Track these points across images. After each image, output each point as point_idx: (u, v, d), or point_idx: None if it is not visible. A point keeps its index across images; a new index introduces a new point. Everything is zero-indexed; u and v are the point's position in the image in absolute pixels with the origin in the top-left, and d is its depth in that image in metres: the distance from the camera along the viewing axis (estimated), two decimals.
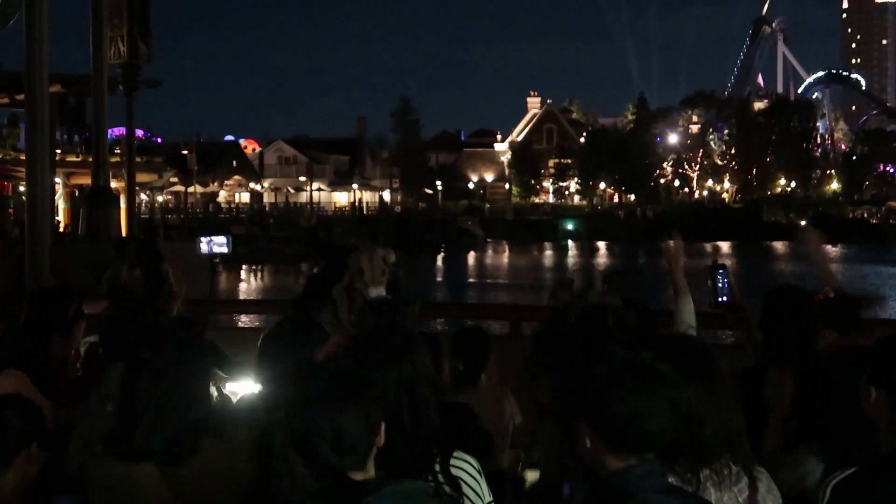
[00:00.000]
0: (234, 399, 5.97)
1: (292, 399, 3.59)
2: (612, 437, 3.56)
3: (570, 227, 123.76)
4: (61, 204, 32.71)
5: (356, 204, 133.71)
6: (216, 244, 8.11)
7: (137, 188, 30.70)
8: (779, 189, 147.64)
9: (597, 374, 3.62)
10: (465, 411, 5.59)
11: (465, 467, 4.28)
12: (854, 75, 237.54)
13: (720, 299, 6.77)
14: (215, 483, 4.28)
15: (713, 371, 4.19)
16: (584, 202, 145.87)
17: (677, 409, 3.57)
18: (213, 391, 4.85)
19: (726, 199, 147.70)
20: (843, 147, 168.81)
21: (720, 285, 6.81)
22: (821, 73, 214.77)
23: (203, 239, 8.09)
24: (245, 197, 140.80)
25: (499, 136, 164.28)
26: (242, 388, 6.30)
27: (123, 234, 23.14)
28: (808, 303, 6.22)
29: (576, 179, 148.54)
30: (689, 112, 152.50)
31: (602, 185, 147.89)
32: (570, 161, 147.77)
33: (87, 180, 25.04)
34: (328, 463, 3.50)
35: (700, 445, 4.01)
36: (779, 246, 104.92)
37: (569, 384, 3.82)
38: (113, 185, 26.89)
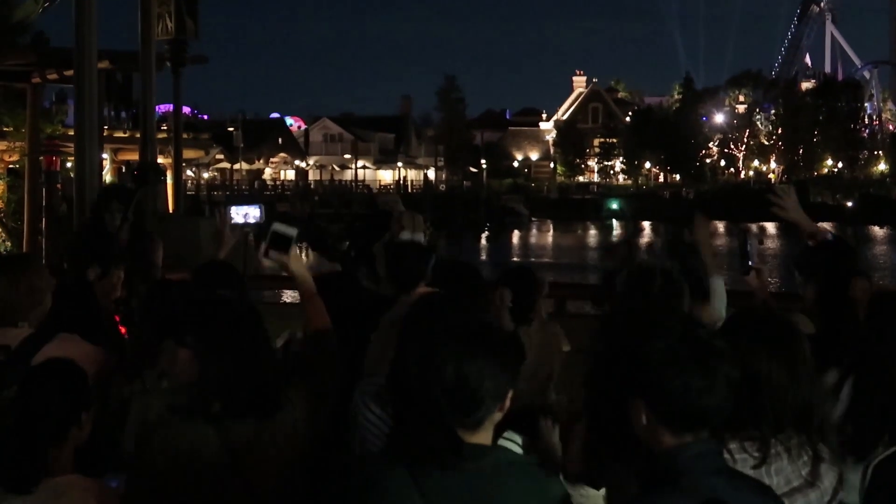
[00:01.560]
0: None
1: (446, 342, 3.68)
2: (668, 414, 3.56)
3: (614, 206, 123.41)
4: (109, 179, 32.89)
5: (401, 182, 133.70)
6: (249, 214, 8.09)
7: (184, 164, 30.82)
8: (825, 170, 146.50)
9: (654, 349, 3.63)
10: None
11: (513, 447, 4.29)
12: None
13: (749, 264, 6.89)
14: (277, 446, 4.35)
15: (794, 345, 4.19)
16: (630, 181, 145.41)
17: (733, 386, 3.56)
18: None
19: (772, 180, 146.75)
20: (891, 128, 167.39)
21: (749, 250, 6.92)
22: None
23: (234, 208, 8.06)
24: (290, 174, 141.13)
25: (544, 115, 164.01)
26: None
27: (170, 209, 23.29)
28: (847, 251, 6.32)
29: (621, 159, 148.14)
30: (736, 92, 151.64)
31: (647, 165, 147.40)
32: (615, 140, 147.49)
33: (134, 156, 25.20)
34: (449, 415, 3.58)
35: (774, 417, 4.04)
36: (825, 226, 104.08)
37: (626, 359, 3.83)
38: (160, 161, 27.07)
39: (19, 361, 5.49)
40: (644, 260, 5.76)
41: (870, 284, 5.92)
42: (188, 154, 37.23)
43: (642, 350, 3.66)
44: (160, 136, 27.79)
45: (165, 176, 22.05)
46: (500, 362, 3.64)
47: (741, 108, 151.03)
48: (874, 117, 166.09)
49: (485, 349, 3.63)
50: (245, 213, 8.06)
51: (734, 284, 7.87)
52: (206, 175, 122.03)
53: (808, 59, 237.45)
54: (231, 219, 7.98)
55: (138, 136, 21.17)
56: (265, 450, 4.39)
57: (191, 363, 4.45)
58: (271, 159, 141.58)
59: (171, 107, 26.40)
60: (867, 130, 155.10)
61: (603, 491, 4.81)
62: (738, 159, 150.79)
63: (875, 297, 5.36)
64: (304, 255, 5.70)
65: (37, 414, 4.54)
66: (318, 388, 4.67)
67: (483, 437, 3.65)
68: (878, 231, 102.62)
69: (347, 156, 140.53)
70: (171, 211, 23.14)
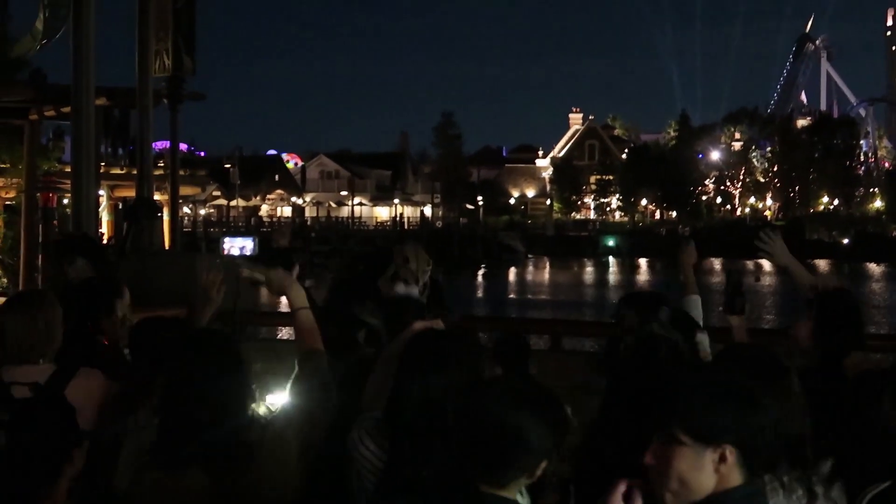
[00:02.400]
0: (274, 410, 5.99)
1: (495, 393, 3.63)
2: (756, 452, 3.47)
3: (610, 243, 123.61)
4: (105, 216, 32.91)
5: (397, 219, 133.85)
6: (241, 246, 8.12)
7: (181, 201, 30.83)
8: (821, 207, 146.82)
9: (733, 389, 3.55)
10: None
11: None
12: None
13: (734, 305, 6.90)
14: (265, 492, 4.30)
15: (784, 379, 4.19)
16: (626, 218, 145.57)
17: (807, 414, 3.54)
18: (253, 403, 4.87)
19: (768, 217, 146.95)
20: (886, 165, 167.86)
21: (736, 292, 6.96)
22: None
23: (228, 240, 8.07)
24: (287, 211, 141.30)
25: (540, 152, 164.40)
26: (281, 399, 6.33)
27: (167, 246, 23.28)
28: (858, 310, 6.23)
29: (617, 196, 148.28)
30: (732, 129, 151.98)
31: (644, 202, 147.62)
32: (611, 177, 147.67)
33: (130, 193, 25.19)
34: (474, 467, 3.54)
35: (770, 452, 3.99)
36: (821, 264, 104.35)
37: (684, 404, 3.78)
38: (157, 197, 27.08)
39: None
40: (648, 329, 5.72)
41: (864, 356, 5.90)
42: (185, 191, 37.23)
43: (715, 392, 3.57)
44: (157, 172, 27.81)
45: (161, 212, 22.03)
46: (543, 427, 3.56)
47: (737, 146, 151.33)
48: (870, 154, 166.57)
49: (532, 409, 3.57)
50: (239, 246, 8.08)
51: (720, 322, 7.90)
52: (202, 212, 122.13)
53: (803, 97, 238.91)
54: (225, 250, 8.01)
55: (135, 172, 21.16)
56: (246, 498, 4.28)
57: None
58: (268, 196, 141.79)
59: (168, 143, 26.44)
60: (863, 168, 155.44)
61: None
62: (735, 196, 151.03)
63: (864, 375, 5.31)
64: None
65: (27, 451, 4.54)
66: (309, 418, 4.65)
67: (504, 493, 3.59)
68: (874, 268, 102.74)
69: (344, 192, 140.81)
70: (167, 247, 23.12)
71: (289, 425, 4.54)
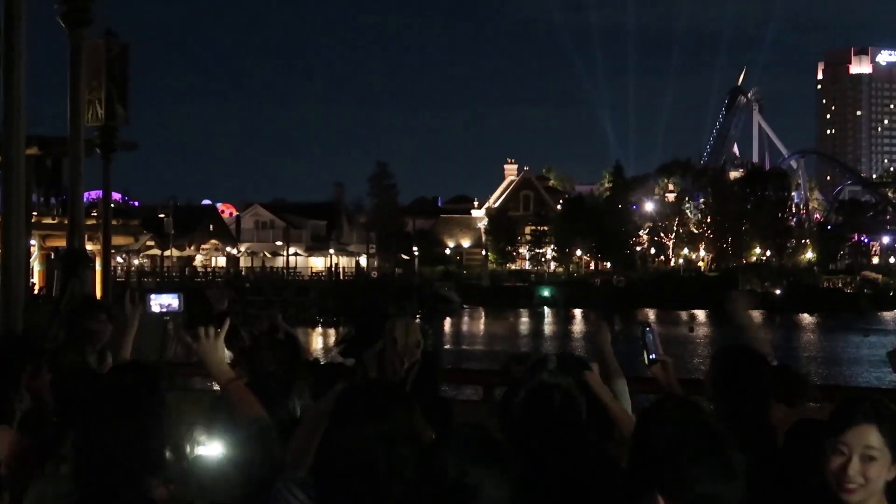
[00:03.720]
0: (207, 460, 5.93)
1: (453, 448, 3.65)
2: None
3: (546, 293, 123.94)
4: (36, 266, 32.67)
5: (332, 269, 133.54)
6: (167, 303, 8.03)
7: (114, 251, 30.67)
8: (754, 258, 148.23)
9: (666, 441, 3.63)
10: None
11: None
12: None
13: (651, 357, 6.83)
14: None
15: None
16: (561, 269, 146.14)
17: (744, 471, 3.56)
18: (176, 450, 4.80)
19: (702, 267, 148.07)
20: (817, 216, 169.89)
21: (650, 343, 6.88)
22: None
23: (152, 297, 8.00)
24: (221, 261, 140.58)
25: (476, 203, 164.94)
26: (214, 449, 6.27)
27: (98, 297, 23.08)
28: (763, 368, 6.20)
29: (552, 246, 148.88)
30: (665, 180, 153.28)
31: (578, 252, 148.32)
32: (546, 228, 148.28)
33: (62, 242, 25.06)
34: None
35: None
36: (754, 314, 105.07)
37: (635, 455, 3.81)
38: (89, 247, 26.88)
39: None
40: (542, 378, 5.72)
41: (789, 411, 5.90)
42: (118, 240, 37.00)
43: (651, 443, 3.64)
44: (90, 222, 27.61)
45: (94, 263, 21.90)
46: (500, 477, 3.59)
47: (671, 197, 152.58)
48: (801, 206, 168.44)
49: (489, 461, 3.60)
50: (164, 303, 8.00)
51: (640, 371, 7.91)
52: (136, 262, 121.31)
53: (735, 149, 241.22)
54: (150, 308, 7.91)
55: (67, 222, 21.02)
56: None
57: None
58: (202, 246, 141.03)
59: (101, 193, 26.30)
60: (794, 219, 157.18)
61: None
62: (668, 247, 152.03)
63: (796, 426, 5.33)
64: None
65: None
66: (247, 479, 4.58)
67: None
68: (806, 319, 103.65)
69: (279, 242, 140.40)
70: (98, 298, 22.98)
71: (219, 480, 4.48)
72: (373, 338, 8.29)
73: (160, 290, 8.68)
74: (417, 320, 8.51)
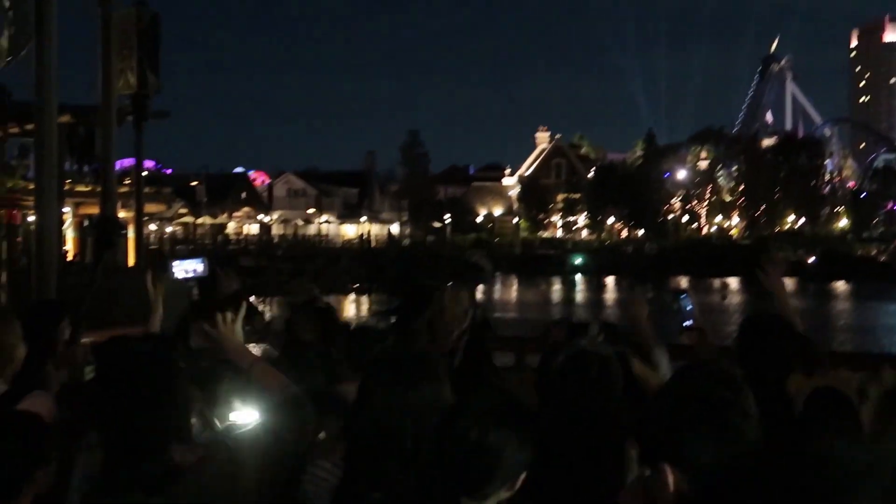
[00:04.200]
0: (236, 427, 5.92)
1: (472, 410, 3.68)
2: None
3: (578, 261, 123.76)
4: (70, 233, 32.83)
5: (364, 237, 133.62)
6: (191, 268, 8.03)
7: (146, 219, 30.77)
8: (787, 226, 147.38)
9: (676, 413, 3.63)
10: None
11: None
12: None
13: (685, 324, 6.78)
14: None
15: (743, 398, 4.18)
16: (593, 237, 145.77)
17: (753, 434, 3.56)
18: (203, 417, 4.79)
19: (734, 236, 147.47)
20: (851, 185, 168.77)
21: (685, 310, 6.84)
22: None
23: (175, 263, 8.00)
24: (254, 228, 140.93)
25: (507, 171, 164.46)
26: (248, 416, 6.26)
27: (130, 264, 23.17)
28: (789, 335, 6.15)
29: (584, 214, 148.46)
30: (698, 148, 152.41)
31: (610, 220, 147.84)
32: (578, 196, 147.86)
33: (95, 210, 25.16)
34: (456, 484, 3.57)
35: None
36: (787, 282, 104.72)
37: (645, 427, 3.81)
38: (122, 215, 26.98)
39: None
40: (582, 345, 5.70)
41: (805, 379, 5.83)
42: (150, 208, 37.15)
43: (660, 414, 3.65)
44: (122, 190, 27.74)
45: (126, 230, 21.97)
46: (520, 441, 3.62)
47: (703, 165, 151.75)
48: (835, 174, 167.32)
49: (511, 424, 3.63)
50: (189, 268, 8.00)
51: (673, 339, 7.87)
52: (169, 229, 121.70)
53: (769, 117, 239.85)
54: (174, 273, 7.91)
55: (100, 190, 21.10)
56: None
57: None
58: (235, 214, 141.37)
59: (134, 160, 26.35)
60: (828, 187, 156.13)
61: None
62: (701, 215, 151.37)
63: (814, 394, 5.26)
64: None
65: None
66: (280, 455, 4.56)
67: None
68: (839, 287, 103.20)
69: (311, 210, 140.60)
70: (130, 265, 23.07)
71: (249, 449, 4.45)
72: (418, 308, 8.30)
73: (185, 257, 8.67)
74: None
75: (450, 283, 8.66)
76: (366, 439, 4.21)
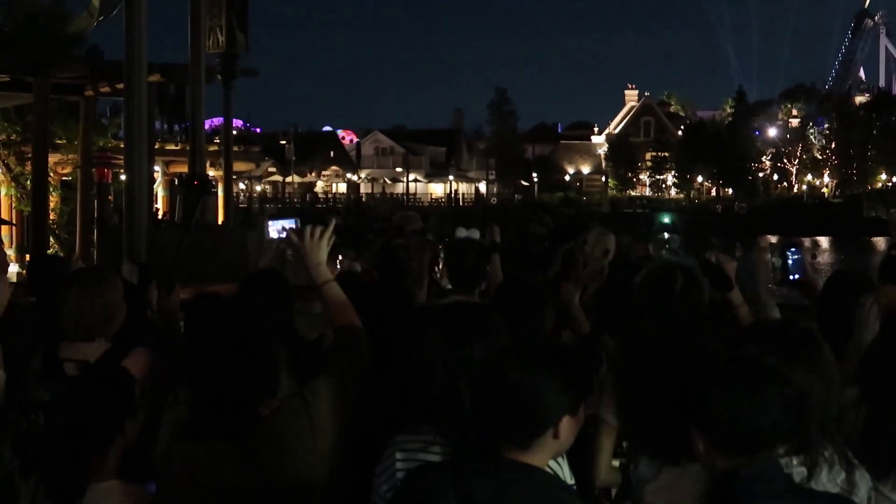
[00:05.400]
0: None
1: (503, 354, 3.66)
2: (721, 439, 3.54)
3: (666, 220, 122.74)
4: (160, 192, 33.15)
5: (452, 195, 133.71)
6: (286, 227, 8.11)
7: (235, 177, 31.00)
8: (879, 184, 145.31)
9: (700, 375, 3.61)
10: None
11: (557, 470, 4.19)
12: None
13: (790, 277, 6.60)
14: (293, 465, 4.26)
15: (821, 356, 4.13)
16: (682, 195, 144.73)
17: (789, 403, 3.50)
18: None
19: (826, 194, 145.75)
20: None
21: (790, 262, 6.65)
22: None
23: (271, 223, 8.10)
24: (342, 187, 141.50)
25: (595, 129, 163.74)
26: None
27: (220, 222, 23.33)
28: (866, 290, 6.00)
29: (673, 173, 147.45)
30: (789, 105, 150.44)
31: (699, 179, 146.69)
32: (667, 154, 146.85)
33: (185, 169, 25.40)
34: (493, 429, 3.56)
35: (819, 428, 3.99)
36: (879, 241, 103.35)
37: (674, 388, 3.79)
38: (211, 173, 27.20)
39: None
40: (664, 258, 5.66)
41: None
42: (239, 167, 37.41)
43: (689, 377, 3.63)
44: (212, 148, 27.94)
45: (216, 189, 22.16)
46: (552, 385, 3.53)
47: (794, 122, 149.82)
48: None
49: (552, 368, 3.56)
50: (282, 228, 8.10)
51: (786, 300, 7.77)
52: (258, 188, 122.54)
53: (862, 73, 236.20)
54: (269, 234, 8.01)
55: (189, 148, 21.29)
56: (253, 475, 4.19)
57: None
58: (323, 172, 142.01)
59: (223, 119, 26.53)
60: None
61: None
62: (791, 174, 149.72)
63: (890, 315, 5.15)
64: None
65: (82, 420, 4.61)
66: (339, 392, 4.54)
67: (531, 458, 3.55)
68: None
69: (399, 169, 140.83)
70: (220, 223, 23.27)
71: (322, 400, 4.46)
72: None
73: (278, 217, 8.78)
74: None
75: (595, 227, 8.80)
76: (415, 391, 4.19)
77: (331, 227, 4.96)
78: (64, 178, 27.80)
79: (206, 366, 4.27)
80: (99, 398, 4.68)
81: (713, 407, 3.49)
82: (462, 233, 8.44)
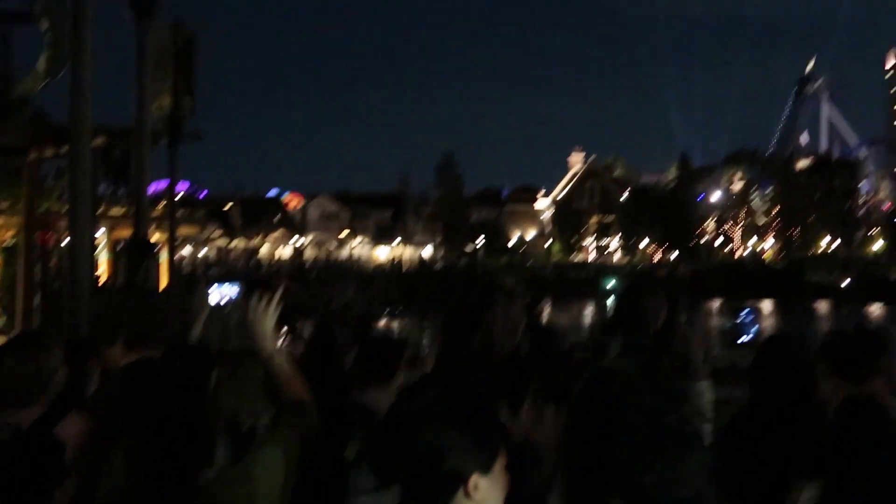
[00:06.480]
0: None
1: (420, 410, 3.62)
2: None
3: (611, 284, 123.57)
4: (103, 256, 32.93)
5: (396, 261, 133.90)
6: (227, 293, 8.07)
7: (180, 242, 30.85)
8: (821, 248, 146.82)
9: (621, 444, 3.57)
10: None
11: None
12: None
13: (742, 338, 6.67)
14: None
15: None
16: (626, 260, 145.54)
17: (709, 472, 3.48)
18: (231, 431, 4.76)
19: (768, 258, 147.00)
20: (886, 206, 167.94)
21: (742, 324, 6.72)
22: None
23: (212, 287, 8.05)
24: (287, 251, 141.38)
25: (541, 193, 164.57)
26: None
27: (162, 286, 23.18)
28: (802, 355, 6.00)
29: (618, 237, 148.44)
30: (732, 170, 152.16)
31: (644, 243, 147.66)
32: (612, 218, 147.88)
33: (129, 233, 25.27)
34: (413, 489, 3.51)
35: None
36: (821, 306, 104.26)
37: (595, 459, 3.77)
38: (155, 237, 27.06)
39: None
40: (604, 364, 5.63)
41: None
42: (184, 231, 37.26)
43: (611, 449, 3.61)
44: (156, 212, 27.81)
45: (159, 253, 22.04)
46: (463, 441, 3.50)
47: (738, 187, 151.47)
48: (870, 196, 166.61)
49: (451, 425, 3.52)
50: (223, 293, 8.04)
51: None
52: (202, 252, 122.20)
53: (804, 138, 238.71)
54: (211, 298, 7.96)
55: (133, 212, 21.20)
56: None
57: None
58: (268, 236, 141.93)
59: (168, 183, 26.44)
60: (863, 209, 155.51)
61: None
62: (735, 237, 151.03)
63: (846, 402, 5.16)
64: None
65: (10, 487, 4.53)
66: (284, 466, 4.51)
67: None
68: (874, 310, 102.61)
69: (344, 233, 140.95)
70: (162, 287, 23.10)
71: (263, 470, 4.42)
72: (472, 325, 8.31)
73: (222, 280, 8.74)
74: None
75: (502, 296, 8.65)
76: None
77: (278, 295, 4.92)
78: (6, 244, 27.60)
79: (142, 435, 4.22)
80: (27, 465, 4.60)
81: (636, 478, 3.46)
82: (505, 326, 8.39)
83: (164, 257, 24.54)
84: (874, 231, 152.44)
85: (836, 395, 5.30)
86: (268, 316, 4.85)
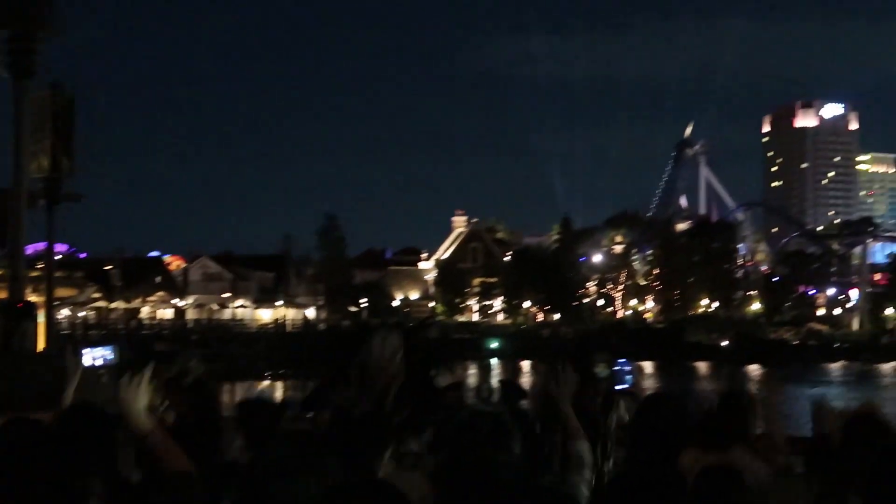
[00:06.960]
0: None
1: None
2: None
3: (494, 345, 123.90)
4: None
5: (279, 321, 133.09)
6: (100, 355, 8.00)
7: (58, 303, 30.40)
8: (701, 309, 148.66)
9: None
10: None
11: None
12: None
13: (617, 387, 6.78)
14: None
15: None
16: (509, 321, 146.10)
17: None
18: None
19: (649, 319, 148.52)
20: (764, 268, 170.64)
21: (618, 373, 6.85)
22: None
23: (86, 350, 7.96)
24: (168, 313, 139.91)
25: (424, 255, 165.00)
26: None
27: (40, 348, 22.85)
28: (679, 413, 6.09)
29: (501, 298, 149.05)
30: (613, 232, 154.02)
31: (527, 304, 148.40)
32: (494, 280, 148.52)
33: (4, 295, 24.87)
34: None
35: None
36: (701, 366, 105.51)
37: None
38: (33, 299, 26.62)
39: None
40: (474, 405, 5.66)
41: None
42: (63, 292, 36.76)
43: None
44: (34, 274, 27.35)
45: (36, 315, 21.69)
46: (313, 488, 3.54)
47: (619, 249, 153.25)
48: (748, 258, 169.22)
49: (309, 470, 3.59)
50: (97, 355, 7.96)
51: None
52: (81, 314, 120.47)
53: (683, 201, 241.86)
54: (82, 361, 7.84)
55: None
56: None
57: None
58: (149, 298, 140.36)
59: (46, 244, 26.07)
60: (741, 271, 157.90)
61: None
62: (616, 299, 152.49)
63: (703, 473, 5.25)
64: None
65: None
66: None
67: None
68: (753, 370, 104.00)
69: (226, 294, 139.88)
70: (40, 349, 22.75)
71: None
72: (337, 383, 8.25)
73: (95, 344, 8.64)
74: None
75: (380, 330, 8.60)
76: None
77: (148, 374, 4.88)
78: None
79: (18, 498, 4.15)
80: None
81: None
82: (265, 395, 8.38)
83: (41, 319, 24.17)
84: (752, 292, 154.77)
85: (696, 465, 5.40)
86: (140, 395, 4.80)
